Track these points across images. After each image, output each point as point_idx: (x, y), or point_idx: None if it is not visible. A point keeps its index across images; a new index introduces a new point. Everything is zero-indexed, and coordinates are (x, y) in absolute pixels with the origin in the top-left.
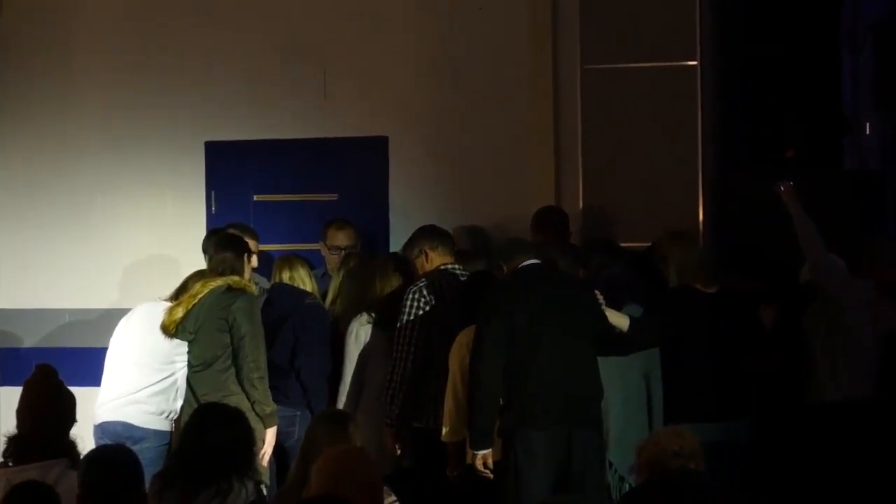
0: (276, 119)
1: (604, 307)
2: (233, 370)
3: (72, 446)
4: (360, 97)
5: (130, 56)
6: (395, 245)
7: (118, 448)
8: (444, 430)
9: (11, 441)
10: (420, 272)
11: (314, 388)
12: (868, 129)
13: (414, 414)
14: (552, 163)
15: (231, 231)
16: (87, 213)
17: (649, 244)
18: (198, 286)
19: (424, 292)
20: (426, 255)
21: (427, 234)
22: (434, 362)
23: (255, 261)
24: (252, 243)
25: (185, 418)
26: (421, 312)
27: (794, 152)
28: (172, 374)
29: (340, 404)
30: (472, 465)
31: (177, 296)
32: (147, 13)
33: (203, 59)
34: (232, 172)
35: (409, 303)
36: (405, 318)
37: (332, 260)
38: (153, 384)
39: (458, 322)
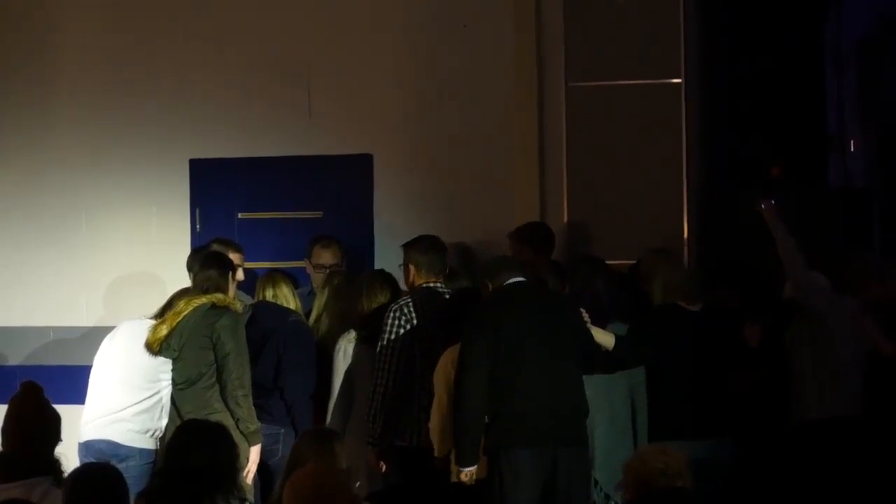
0: (261, 137)
1: (589, 325)
2: (217, 388)
3: (56, 464)
4: (344, 115)
5: (114, 74)
6: (380, 262)
7: (103, 466)
8: (435, 449)
9: None
10: (405, 282)
11: (298, 405)
12: (853, 146)
13: (396, 432)
14: (537, 180)
15: (215, 246)
16: (72, 231)
17: (634, 261)
18: (182, 304)
19: (405, 310)
20: (409, 272)
21: (419, 251)
22: (416, 380)
23: (240, 274)
24: (236, 257)
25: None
26: (402, 331)
27: (779, 169)
28: (157, 392)
29: (329, 422)
30: (458, 482)
31: (162, 313)
32: (131, 31)
33: (187, 76)
34: (217, 190)
35: (390, 321)
36: (386, 336)
37: (318, 278)
38: (138, 402)
39: (440, 340)
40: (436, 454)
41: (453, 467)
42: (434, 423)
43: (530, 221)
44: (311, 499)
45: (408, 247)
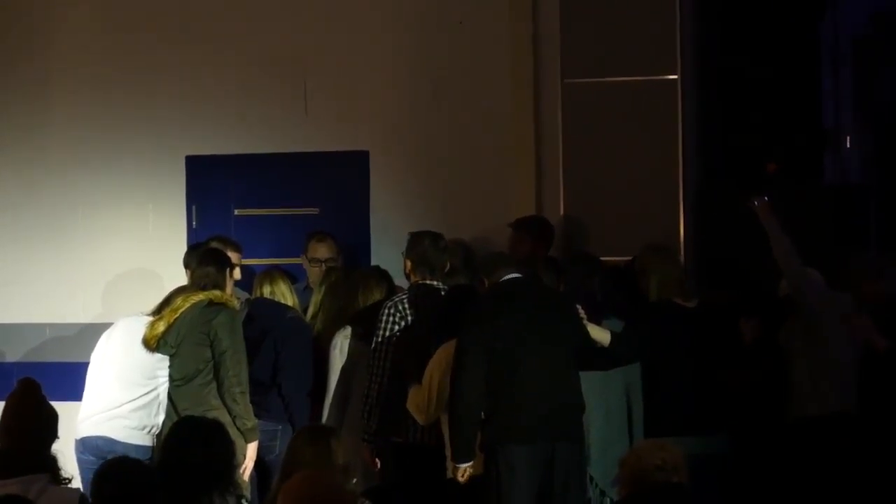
0: (257, 133)
1: (585, 322)
2: (214, 385)
3: (53, 461)
4: (340, 111)
5: (110, 71)
6: (377, 259)
7: (132, 461)
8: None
9: None
10: (404, 272)
11: (295, 402)
12: (849, 143)
13: (392, 429)
14: (533, 177)
15: (213, 244)
16: (68, 227)
17: (630, 258)
18: (179, 300)
19: (399, 307)
20: (406, 265)
21: (417, 248)
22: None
23: (237, 273)
24: (234, 256)
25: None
26: (397, 328)
27: (775, 166)
28: (154, 388)
29: (325, 418)
30: (454, 479)
31: (159, 310)
32: (126, 28)
33: (183, 73)
34: (213, 187)
35: (384, 318)
36: (381, 333)
37: (313, 273)
38: (135, 399)
39: (435, 337)
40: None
41: (449, 463)
42: (414, 399)
43: (535, 215)
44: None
45: (410, 239)
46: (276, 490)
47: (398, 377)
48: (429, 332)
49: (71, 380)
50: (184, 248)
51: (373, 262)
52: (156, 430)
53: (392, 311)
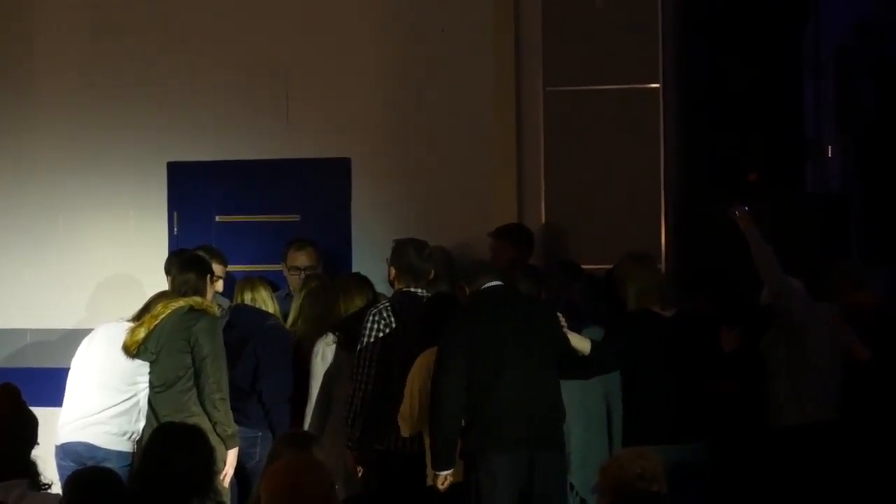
0: (239, 140)
1: (566, 330)
2: (194, 391)
3: (33, 467)
4: (322, 119)
5: (92, 77)
6: (358, 266)
7: (104, 470)
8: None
9: None
10: (387, 278)
11: (276, 409)
12: (830, 152)
13: (375, 436)
14: (515, 184)
15: (200, 254)
16: (49, 233)
17: (611, 266)
18: (160, 307)
19: (384, 314)
20: (391, 272)
21: (402, 257)
22: (394, 384)
23: (219, 285)
24: (219, 268)
25: None
26: (381, 335)
27: (757, 175)
28: (135, 394)
29: (307, 425)
30: (434, 486)
31: (139, 316)
32: (109, 34)
33: (165, 80)
34: (194, 193)
35: (368, 325)
36: (365, 339)
37: (293, 280)
38: (115, 405)
39: (418, 344)
40: (403, 434)
41: (430, 471)
42: (402, 411)
43: (516, 222)
44: (288, 489)
45: (395, 247)
46: (257, 495)
47: (381, 385)
48: (411, 340)
49: (52, 386)
50: (165, 255)
51: (354, 269)
52: (136, 437)
53: (377, 318)
